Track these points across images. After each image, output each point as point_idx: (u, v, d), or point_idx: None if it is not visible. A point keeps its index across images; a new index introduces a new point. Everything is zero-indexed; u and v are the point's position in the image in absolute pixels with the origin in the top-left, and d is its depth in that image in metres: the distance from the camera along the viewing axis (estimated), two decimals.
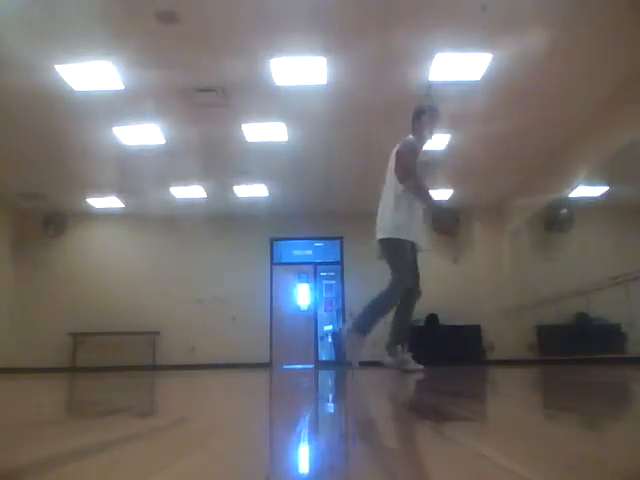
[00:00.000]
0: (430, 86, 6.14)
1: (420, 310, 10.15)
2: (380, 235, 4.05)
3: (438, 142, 7.71)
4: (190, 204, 10.06)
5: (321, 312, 11.17)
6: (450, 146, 7.76)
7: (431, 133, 4.23)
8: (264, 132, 7.32)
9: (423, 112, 4.21)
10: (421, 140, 4.19)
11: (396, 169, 4.05)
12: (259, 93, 6.29)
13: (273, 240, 10.92)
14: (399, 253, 3.98)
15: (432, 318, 10.00)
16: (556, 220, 8.35)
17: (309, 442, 0.98)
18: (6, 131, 7.07)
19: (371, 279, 10.49)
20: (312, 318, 10.78)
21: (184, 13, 4.95)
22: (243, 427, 1.21)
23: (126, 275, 10.46)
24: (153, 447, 0.91)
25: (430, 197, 3.99)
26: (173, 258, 10.63)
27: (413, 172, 3.97)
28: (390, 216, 4.01)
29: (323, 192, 9.62)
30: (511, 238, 10.15)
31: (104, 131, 7.17)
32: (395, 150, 4.19)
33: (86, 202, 10.10)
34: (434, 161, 3.97)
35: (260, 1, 4.83)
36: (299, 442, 0.97)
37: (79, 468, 0.74)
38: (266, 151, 7.90)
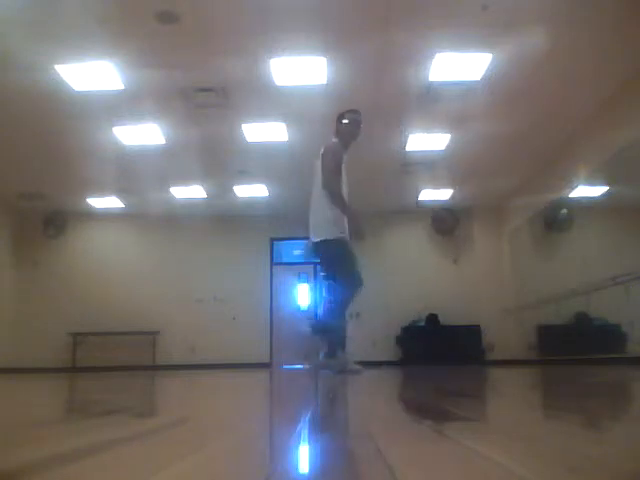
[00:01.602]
0: (429, 87, 6.14)
1: (420, 310, 10.24)
2: (320, 237, 4.16)
3: (438, 142, 7.72)
4: (190, 204, 10.06)
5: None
6: (450, 146, 7.76)
7: (352, 138, 4.46)
8: (264, 132, 7.32)
9: (343, 117, 4.45)
10: (344, 144, 4.39)
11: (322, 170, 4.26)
12: (259, 93, 6.29)
13: (273, 240, 10.91)
14: (345, 251, 4.16)
15: (432, 318, 10.01)
16: (556, 220, 8.34)
17: (309, 442, 0.98)
18: (6, 131, 7.06)
19: (371, 279, 10.53)
20: (312, 318, 10.77)
21: (184, 13, 4.95)
22: (243, 427, 1.21)
23: (126, 275, 10.45)
24: (153, 447, 0.91)
25: (344, 204, 4.20)
26: (173, 258, 10.62)
27: (331, 176, 4.19)
28: (325, 216, 4.17)
29: None
30: (511, 238, 10.15)
31: (104, 131, 7.17)
32: (321, 152, 4.36)
33: (86, 202, 10.09)
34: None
35: (260, 1, 4.83)
36: (299, 442, 0.97)
37: (79, 468, 0.74)
38: (266, 151, 7.89)
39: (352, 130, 4.43)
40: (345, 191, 4.34)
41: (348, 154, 4.47)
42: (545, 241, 8.82)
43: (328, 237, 4.14)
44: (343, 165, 4.33)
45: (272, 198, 9.96)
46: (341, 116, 4.47)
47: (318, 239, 4.17)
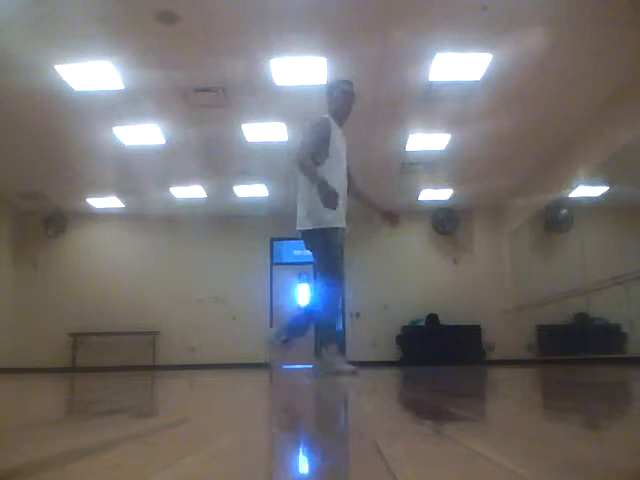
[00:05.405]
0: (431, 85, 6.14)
1: (420, 310, 10.24)
2: (311, 225, 3.78)
3: (438, 142, 7.72)
4: (190, 204, 10.05)
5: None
6: (450, 146, 7.75)
7: (343, 110, 4.04)
8: (264, 132, 7.32)
9: (335, 88, 4.11)
10: (335, 117, 4.01)
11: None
12: (259, 93, 6.29)
13: (273, 240, 10.91)
14: (334, 242, 3.78)
15: (432, 318, 10.01)
16: (556, 220, 8.35)
17: (309, 442, 0.98)
18: (6, 131, 7.06)
19: (371, 278, 10.54)
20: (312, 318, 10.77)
21: (184, 13, 4.95)
22: (243, 427, 1.21)
23: (126, 275, 10.45)
24: (153, 447, 0.91)
25: (316, 175, 3.66)
26: (173, 258, 10.62)
27: (306, 149, 3.77)
28: (304, 205, 3.81)
29: None
30: (511, 238, 10.15)
31: (104, 131, 7.16)
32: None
33: (86, 202, 10.09)
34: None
35: (260, 1, 4.83)
36: (299, 442, 0.97)
37: (79, 468, 0.74)
38: (266, 151, 7.89)
39: (343, 103, 4.03)
40: (340, 177, 3.93)
41: (346, 134, 4.07)
42: (545, 241, 8.82)
43: (309, 227, 3.80)
44: (339, 146, 3.95)
45: (272, 198, 9.96)
46: (332, 87, 4.09)
47: (302, 228, 3.84)
